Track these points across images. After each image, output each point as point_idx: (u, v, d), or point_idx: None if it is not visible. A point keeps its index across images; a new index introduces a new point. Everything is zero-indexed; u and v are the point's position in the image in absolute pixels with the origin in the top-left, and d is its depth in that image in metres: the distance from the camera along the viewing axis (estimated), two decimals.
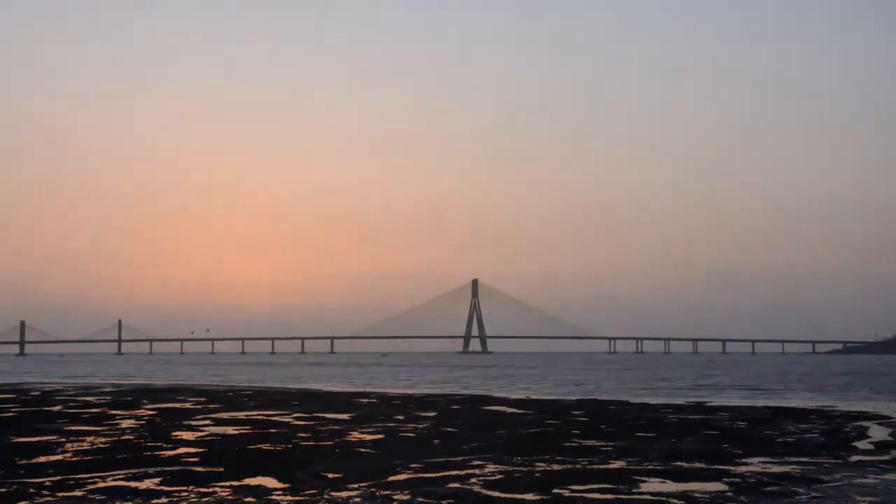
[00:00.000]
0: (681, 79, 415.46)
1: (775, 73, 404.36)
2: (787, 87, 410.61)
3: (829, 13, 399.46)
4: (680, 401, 41.63)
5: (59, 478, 16.37)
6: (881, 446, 22.03)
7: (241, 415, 31.57)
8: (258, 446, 21.45)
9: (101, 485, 15.68)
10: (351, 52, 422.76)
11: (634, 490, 15.29)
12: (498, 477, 16.54)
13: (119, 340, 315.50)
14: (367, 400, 41.17)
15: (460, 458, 19.08)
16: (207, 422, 28.73)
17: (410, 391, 51.81)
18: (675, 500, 14.31)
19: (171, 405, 37.38)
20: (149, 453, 20.05)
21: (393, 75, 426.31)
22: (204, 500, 14.35)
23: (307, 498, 14.49)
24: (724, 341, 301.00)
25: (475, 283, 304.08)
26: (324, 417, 30.33)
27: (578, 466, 18.05)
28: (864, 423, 28.25)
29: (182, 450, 20.80)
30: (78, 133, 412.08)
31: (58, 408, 35.87)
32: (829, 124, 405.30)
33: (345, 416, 30.66)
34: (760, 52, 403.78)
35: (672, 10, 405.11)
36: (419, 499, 14.34)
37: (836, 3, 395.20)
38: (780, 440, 23.27)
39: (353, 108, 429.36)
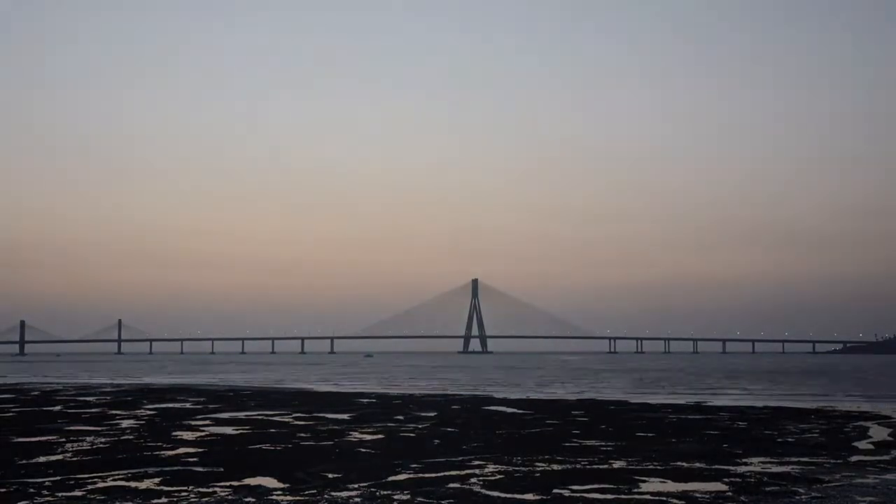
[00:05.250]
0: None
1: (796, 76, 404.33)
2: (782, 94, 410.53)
3: None
4: (680, 401, 41.62)
5: (59, 478, 16.37)
6: (881, 446, 22.03)
7: (241, 415, 31.57)
8: (258, 446, 21.44)
9: (101, 485, 15.68)
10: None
11: (634, 490, 15.28)
12: (498, 477, 16.54)
13: (119, 340, 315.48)
14: (366, 400, 41.16)
15: (460, 458, 19.07)
16: (207, 422, 28.72)
17: (410, 391, 51.79)
18: (675, 500, 14.30)
19: (171, 405, 37.37)
20: (149, 453, 20.05)
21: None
22: (204, 500, 14.34)
23: (307, 498, 14.49)
24: (724, 341, 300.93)
25: (475, 283, 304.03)
26: (324, 417, 30.33)
27: (578, 466, 18.04)
28: (865, 423, 28.24)
29: (182, 450, 20.79)
30: (78, 131, 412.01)
31: (58, 408, 35.87)
32: (824, 127, 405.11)
33: (345, 416, 30.66)
34: None
35: None
36: (419, 499, 14.34)
37: None
38: (780, 440, 23.27)
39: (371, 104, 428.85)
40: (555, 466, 18.04)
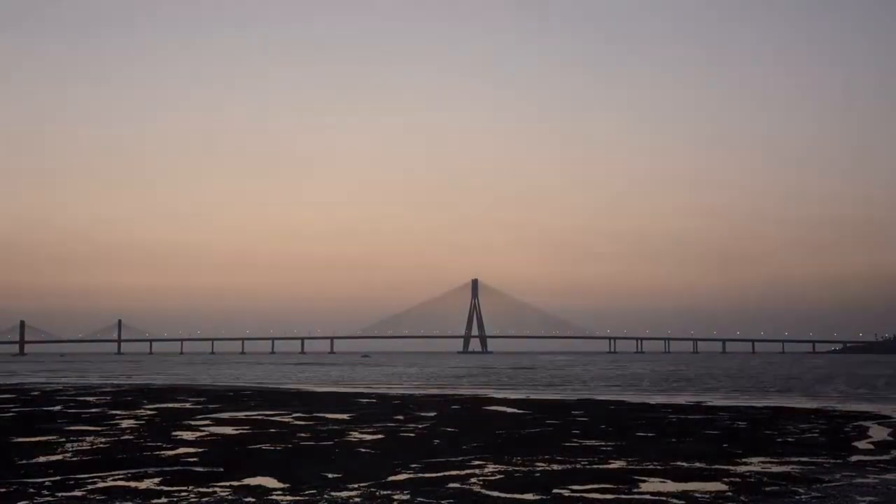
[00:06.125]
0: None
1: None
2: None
3: None
4: (680, 401, 41.62)
5: (59, 478, 16.38)
6: (881, 446, 22.04)
7: (241, 415, 31.56)
8: (258, 446, 21.45)
9: (101, 485, 15.69)
10: None
11: (634, 490, 15.29)
12: (498, 477, 16.55)
13: (119, 340, 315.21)
14: (366, 400, 41.16)
15: (460, 458, 19.08)
16: (207, 422, 28.72)
17: (410, 391, 51.80)
18: (675, 500, 14.31)
19: (171, 405, 37.35)
20: (149, 453, 20.06)
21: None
22: (204, 500, 14.35)
23: (307, 498, 14.50)
24: (724, 341, 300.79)
25: (475, 283, 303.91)
26: (324, 417, 30.32)
27: (578, 466, 18.05)
28: (864, 423, 28.24)
29: (182, 450, 20.80)
30: (78, 133, 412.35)
31: (58, 408, 35.86)
32: (824, 130, 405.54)
33: (345, 416, 30.65)
34: None
35: None
36: (419, 499, 14.35)
37: None
38: (780, 440, 23.28)
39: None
40: (555, 466, 18.04)
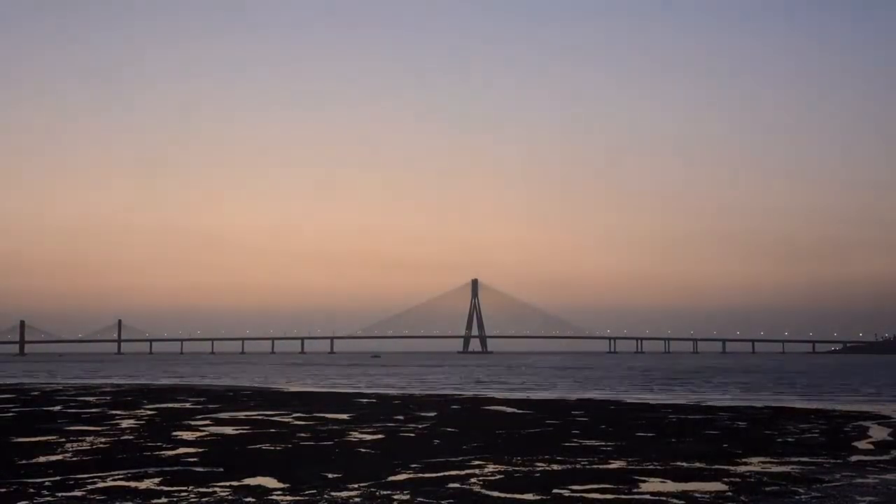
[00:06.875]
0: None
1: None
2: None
3: None
4: (680, 401, 41.64)
5: (59, 478, 16.39)
6: (881, 446, 22.05)
7: (241, 415, 31.58)
8: (258, 446, 21.45)
9: (101, 485, 15.69)
10: None
11: (634, 490, 15.29)
12: (498, 477, 16.55)
13: (119, 340, 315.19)
14: (366, 400, 41.17)
15: (460, 458, 19.08)
16: (207, 422, 28.73)
17: (410, 391, 51.80)
18: (675, 500, 14.31)
19: (171, 405, 37.38)
20: (149, 453, 20.06)
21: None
22: (204, 500, 14.35)
23: (307, 498, 14.50)
24: (724, 341, 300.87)
25: (475, 283, 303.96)
26: (324, 417, 30.33)
27: (578, 466, 18.05)
28: (864, 423, 28.26)
29: (182, 450, 20.80)
30: (77, 133, 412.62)
31: (58, 408, 35.87)
32: (821, 136, 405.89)
33: (345, 416, 30.66)
34: None
35: None
36: (419, 499, 14.35)
37: None
38: (780, 440, 23.29)
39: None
40: (555, 466, 18.04)
